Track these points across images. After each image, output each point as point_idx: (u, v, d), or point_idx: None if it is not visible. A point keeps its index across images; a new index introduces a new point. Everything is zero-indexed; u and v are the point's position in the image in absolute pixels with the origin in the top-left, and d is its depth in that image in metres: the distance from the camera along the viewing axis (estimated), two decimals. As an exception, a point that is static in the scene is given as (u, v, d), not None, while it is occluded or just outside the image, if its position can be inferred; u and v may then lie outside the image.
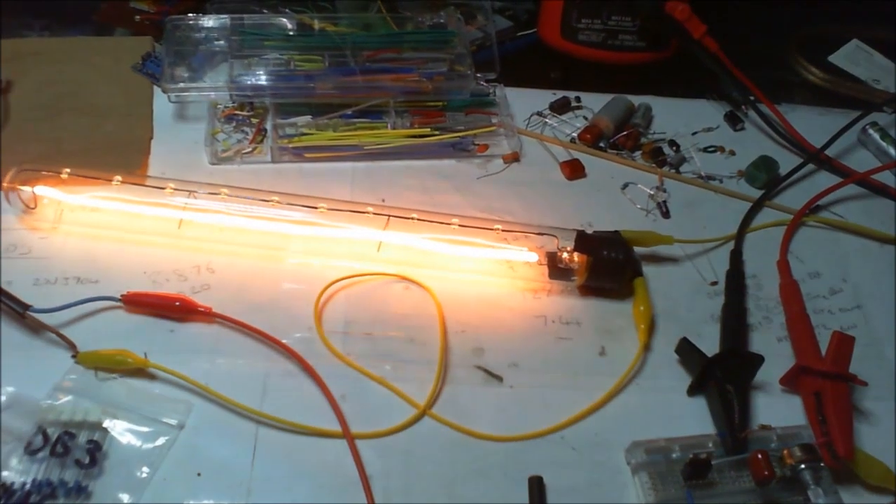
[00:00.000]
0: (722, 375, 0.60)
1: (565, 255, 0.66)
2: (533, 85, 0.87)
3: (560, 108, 0.84)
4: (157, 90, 0.80)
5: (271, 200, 0.65)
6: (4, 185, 0.65)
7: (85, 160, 0.71)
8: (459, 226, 0.66)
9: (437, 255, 0.67)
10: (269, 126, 0.77)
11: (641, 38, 0.86)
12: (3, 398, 0.55)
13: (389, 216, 0.66)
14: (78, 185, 0.67)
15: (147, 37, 0.85)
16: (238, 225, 0.66)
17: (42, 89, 0.78)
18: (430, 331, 0.64)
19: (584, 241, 0.66)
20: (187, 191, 0.65)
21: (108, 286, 0.64)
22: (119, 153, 0.73)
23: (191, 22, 0.80)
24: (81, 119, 0.76)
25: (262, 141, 0.76)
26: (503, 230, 0.66)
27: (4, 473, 0.52)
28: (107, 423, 0.55)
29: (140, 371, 0.59)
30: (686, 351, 0.62)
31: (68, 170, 0.66)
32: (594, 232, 0.68)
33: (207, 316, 0.62)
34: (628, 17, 0.85)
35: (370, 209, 0.66)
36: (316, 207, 0.65)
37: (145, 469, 0.54)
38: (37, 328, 0.60)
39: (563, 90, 0.86)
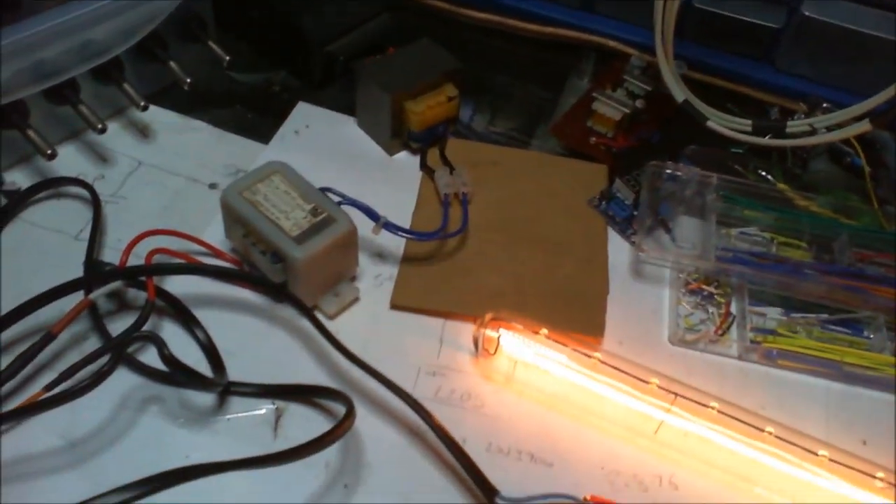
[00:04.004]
0: None
1: None
2: None
3: None
4: (609, 234, 0.73)
5: (765, 431, 0.56)
6: (477, 326, 0.61)
7: (544, 307, 0.66)
8: None
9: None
10: (734, 310, 0.68)
11: None
12: None
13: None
14: (541, 344, 0.61)
15: (602, 166, 0.79)
16: (712, 438, 0.57)
17: (500, 208, 0.74)
18: None
19: None
20: (673, 393, 0.57)
21: (563, 476, 0.58)
22: (578, 307, 0.67)
23: (669, 171, 0.73)
24: (539, 254, 0.71)
25: (727, 329, 0.67)
26: None
27: None
28: None
29: None
30: None
31: (546, 331, 0.60)
32: None
33: (673, 550, 0.53)
34: None
35: (881, 475, 0.55)
36: (816, 454, 0.56)
37: None
38: (494, 513, 0.54)
39: None
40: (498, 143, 0.81)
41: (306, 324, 0.63)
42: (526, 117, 0.85)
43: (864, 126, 0.70)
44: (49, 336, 0.57)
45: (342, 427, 0.53)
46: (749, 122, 0.77)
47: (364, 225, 0.65)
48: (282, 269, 0.61)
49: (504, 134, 0.83)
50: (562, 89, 0.87)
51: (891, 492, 0.55)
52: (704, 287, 0.70)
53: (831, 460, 0.56)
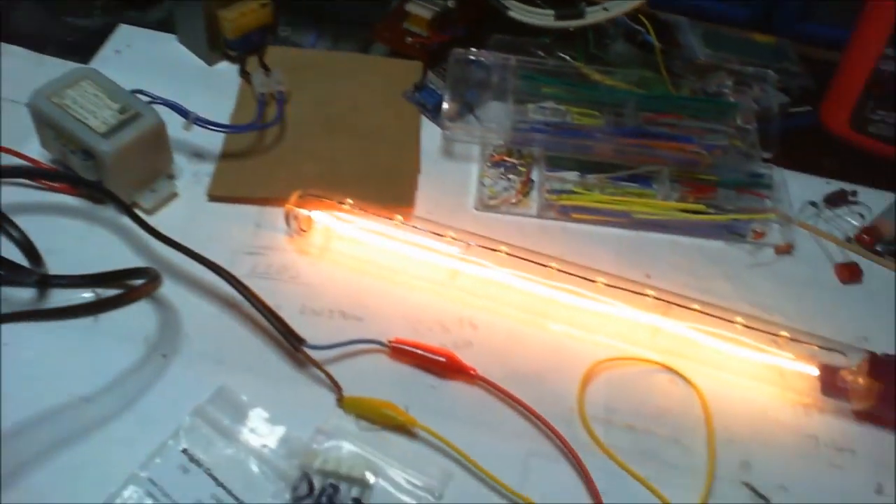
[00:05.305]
0: None
1: (849, 376, 0.61)
2: (801, 169, 0.81)
3: (834, 201, 0.79)
4: (423, 121, 0.78)
5: (549, 266, 0.62)
6: (287, 206, 0.65)
7: (358, 187, 0.70)
8: (745, 327, 0.61)
9: (708, 350, 0.62)
10: (535, 177, 0.74)
11: (940, 138, 0.79)
12: (277, 438, 0.54)
13: (669, 303, 0.62)
14: (350, 214, 0.65)
15: (418, 62, 0.83)
16: (506, 282, 0.63)
17: (318, 105, 0.78)
18: (694, 433, 0.60)
19: (877, 366, 0.60)
20: (466, 242, 0.63)
21: (372, 326, 0.63)
22: (390, 184, 0.72)
23: (472, 57, 0.78)
24: (355, 142, 0.75)
25: (527, 193, 0.73)
26: (790, 339, 0.61)
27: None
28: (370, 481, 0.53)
29: (402, 427, 0.56)
30: None
31: (350, 201, 0.65)
32: (883, 355, 0.62)
33: (471, 377, 0.59)
34: (930, 115, 0.78)
35: (650, 292, 0.62)
36: (594, 281, 0.62)
37: (403, 537, 0.52)
38: (304, 364, 0.59)
39: (838, 180, 0.80)
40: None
41: (128, 221, 0.66)
42: (362, 37, 0.89)
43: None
44: None
45: (141, 289, 0.57)
46: (552, 12, 0.83)
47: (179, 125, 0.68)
48: (93, 165, 0.64)
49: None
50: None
51: (658, 306, 0.62)
52: (507, 159, 0.75)
53: (607, 285, 0.62)
